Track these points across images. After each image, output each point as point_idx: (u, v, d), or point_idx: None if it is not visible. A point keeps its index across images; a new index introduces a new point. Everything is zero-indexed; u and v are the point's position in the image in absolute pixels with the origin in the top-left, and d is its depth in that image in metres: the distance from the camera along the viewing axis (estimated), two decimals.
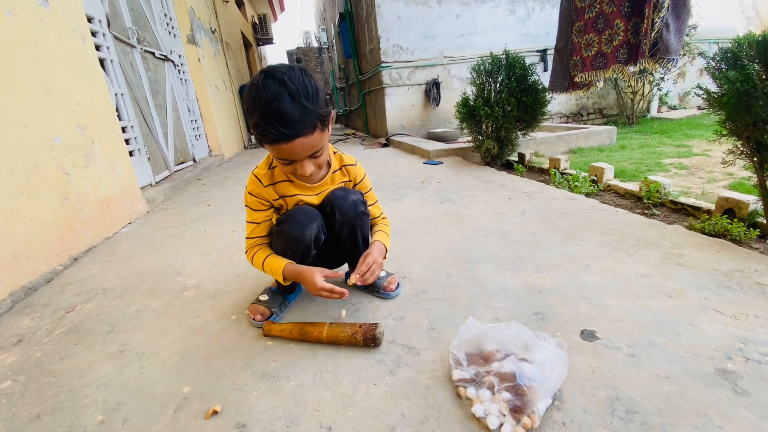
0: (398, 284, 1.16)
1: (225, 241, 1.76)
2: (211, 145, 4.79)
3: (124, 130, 2.57)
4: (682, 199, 1.78)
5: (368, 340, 0.89)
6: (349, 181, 1.09)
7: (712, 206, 1.63)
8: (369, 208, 1.10)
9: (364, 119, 7.12)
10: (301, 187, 1.02)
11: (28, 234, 1.47)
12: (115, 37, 2.72)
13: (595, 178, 2.23)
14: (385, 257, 1.06)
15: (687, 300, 1.02)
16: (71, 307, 1.29)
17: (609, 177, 2.22)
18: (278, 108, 0.76)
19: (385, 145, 5.10)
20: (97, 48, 2.41)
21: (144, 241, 1.88)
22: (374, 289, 1.15)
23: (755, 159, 1.34)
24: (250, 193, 1.01)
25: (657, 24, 2.02)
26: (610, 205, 1.85)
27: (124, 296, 1.32)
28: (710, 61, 1.42)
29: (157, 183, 2.98)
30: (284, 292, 1.13)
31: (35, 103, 1.62)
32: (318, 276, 0.95)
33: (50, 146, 1.67)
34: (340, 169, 1.07)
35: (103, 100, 2.16)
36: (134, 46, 3.06)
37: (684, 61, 5.02)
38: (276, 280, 1.13)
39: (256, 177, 1.00)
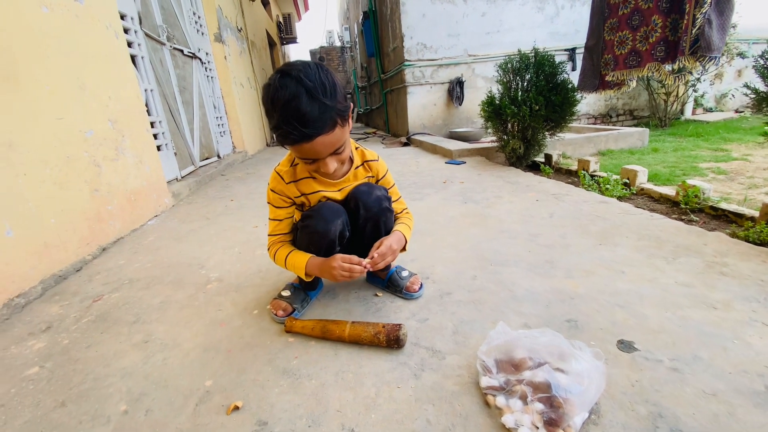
0: (421, 285, 1.13)
1: (248, 236, 1.77)
2: (235, 141, 4.87)
3: (152, 125, 2.63)
4: (723, 205, 1.68)
5: (391, 341, 0.86)
6: (372, 176, 1.07)
7: (756, 213, 1.53)
8: (396, 202, 1.08)
9: (385, 118, 7.10)
10: (324, 183, 1.00)
11: (60, 224, 1.51)
12: (146, 35, 2.79)
13: (627, 181, 2.13)
14: (404, 249, 1.05)
15: (733, 312, 0.95)
16: (99, 296, 1.31)
17: (642, 180, 2.12)
18: (297, 107, 0.75)
19: (405, 144, 5.07)
20: (129, 45, 2.47)
21: (169, 234, 1.92)
22: (396, 289, 1.12)
23: None
24: (272, 190, 1.00)
25: (699, 20, 1.91)
26: (645, 209, 1.76)
27: (150, 287, 1.34)
28: (758, 59, 1.32)
29: (182, 177, 3.04)
30: (306, 289, 1.12)
31: (69, 97, 1.67)
32: (337, 258, 0.94)
33: (83, 139, 1.71)
34: (363, 164, 1.05)
35: (133, 96, 2.21)
36: (164, 44, 3.13)
37: (722, 61, 4.78)
38: (298, 277, 1.12)
39: (278, 174, 0.99)
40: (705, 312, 0.96)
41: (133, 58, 2.50)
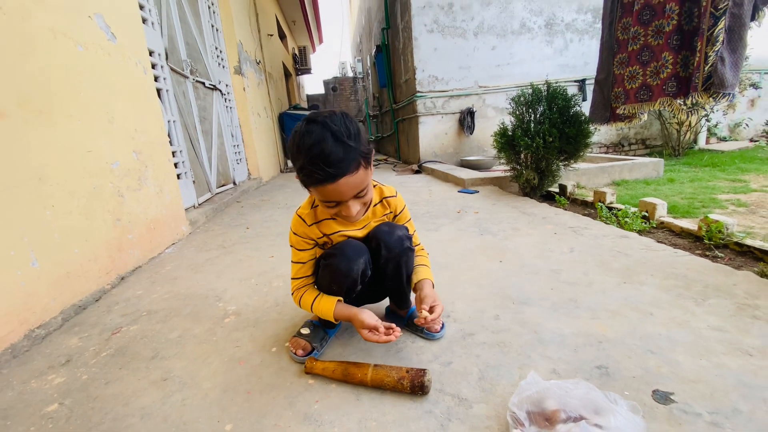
0: (443, 324, 1.11)
1: (264, 267, 1.77)
2: (251, 168, 4.98)
3: (173, 154, 2.71)
4: (749, 242, 1.64)
5: (416, 387, 0.84)
6: (390, 212, 1.08)
7: None
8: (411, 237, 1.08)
9: (396, 146, 7.22)
10: (344, 224, 1.01)
11: (83, 253, 1.54)
12: (172, 69, 2.92)
13: (646, 214, 2.10)
14: None
15: None
16: (117, 328, 1.31)
17: (662, 213, 2.09)
18: (322, 149, 0.78)
19: (417, 172, 5.11)
20: (155, 79, 2.59)
21: (186, 263, 1.93)
22: (417, 329, 1.10)
23: None
24: (294, 233, 1.01)
25: (711, 58, 1.93)
26: (667, 244, 1.72)
27: (167, 320, 1.34)
28: None
29: (199, 205, 3.10)
30: (325, 327, 1.11)
31: (99, 130, 1.74)
32: (369, 317, 0.95)
33: (109, 170, 1.77)
34: (381, 201, 1.05)
35: (157, 128, 2.29)
36: (187, 77, 3.27)
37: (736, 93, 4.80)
38: None
39: (300, 217, 1.00)
40: (741, 360, 0.92)
41: (158, 91, 2.61)
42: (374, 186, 1.05)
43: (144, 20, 2.54)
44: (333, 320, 0.99)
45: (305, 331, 1.08)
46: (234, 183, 4.26)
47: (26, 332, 1.24)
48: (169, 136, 2.68)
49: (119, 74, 1.95)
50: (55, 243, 1.41)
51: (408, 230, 1.04)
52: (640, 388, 0.83)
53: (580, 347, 0.98)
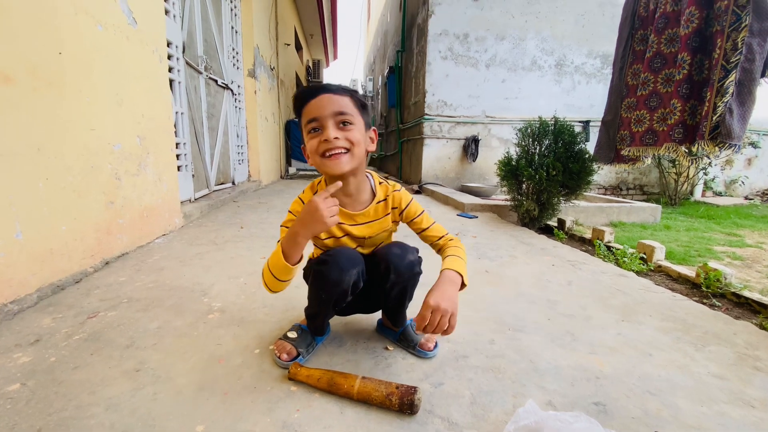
0: (436, 344, 1.06)
1: (254, 267, 1.72)
2: (252, 170, 4.95)
3: (177, 145, 2.69)
4: (747, 293, 1.62)
5: (404, 405, 0.79)
6: (395, 208, 1.01)
7: None
8: (431, 228, 1.02)
9: (398, 165, 7.26)
10: (344, 215, 0.96)
11: (70, 232, 1.49)
12: (187, 63, 2.93)
13: (644, 256, 2.09)
14: (463, 286, 0.90)
15: None
16: (94, 312, 1.25)
17: (660, 257, 2.09)
18: (319, 84, 0.89)
19: (417, 192, 5.12)
20: (170, 69, 2.59)
21: (175, 255, 1.87)
22: (409, 344, 1.05)
23: None
24: (290, 212, 0.99)
25: (720, 108, 1.97)
26: (664, 287, 1.70)
27: (148, 309, 1.28)
28: None
29: (195, 199, 3.05)
30: (314, 333, 1.06)
31: (106, 110, 1.71)
32: (314, 201, 0.83)
33: (110, 151, 1.74)
34: (385, 199, 1.00)
35: (165, 116, 2.27)
36: (201, 73, 3.29)
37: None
38: (306, 318, 1.06)
39: (300, 199, 1.00)
40: (743, 410, 0.88)
41: (171, 82, 2.61)
42: (380, 183, 1.02)
43: (167, 12, 2.56)
44: (284, 260, 0.85)
45: (292, 334, 1.03)
46: (233, 182, 4.23)
47: None
48: (175, 127, 2.66)
49: (135, 59, 1.94)
50: (43, 217, 1.36)
51: (418, 253, 0.99)
52: (639, 430, 0.79)
53: (577, 381, 0.94)
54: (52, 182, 1.39)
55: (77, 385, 0.87)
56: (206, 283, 1.53)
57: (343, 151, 0.87)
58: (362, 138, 0.90)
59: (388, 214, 1.01)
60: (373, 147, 0.96)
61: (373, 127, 0.97)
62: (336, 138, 0.85)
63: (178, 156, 2.70)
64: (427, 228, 1.02)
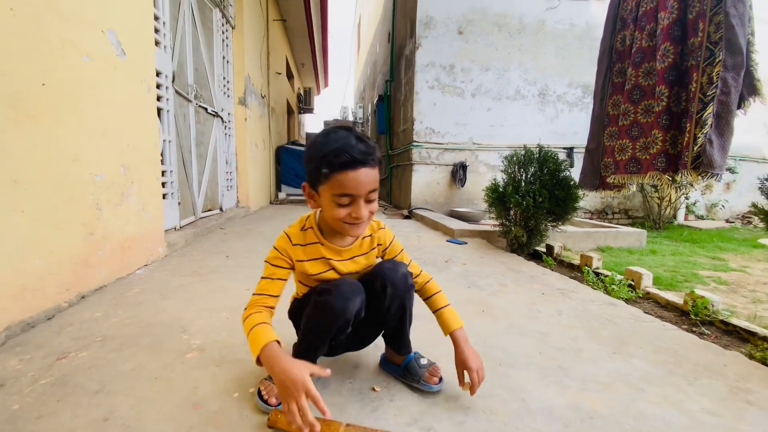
0: (441, 378, 1.02)
1: (239, 300, 1.67)
2: (240, 197, 4.92)
3: (163, 173, 2.66)
4: (734, 321, 1.62)
5: None
6: (379, 245, 1.05)
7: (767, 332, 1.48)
8: (410, 266, 1.04)
9: (388, 190, 7.30)
10: (331, 251, 0.97)
11: (44, 266, 1.43)
12: (176, 91, 2.95)
13: (632, 282, 2.10)
14: None
15: None
16: (65, 353, 1.18)
17: (647, 284, 2.09)
18: (348, 142, 0.84)
19: (407, 217, 5.13)
20: (158, 98, 2.59)
21: (156, 288, 1.81)
22: (413, 379, 1.02)
23: None
24: (275, 248, 0.97)
25: (700, 139, 2.03)
26: (653, 315, 1.70)
27: (123, 349, 1.21)
28: (764, 181, 1.37)
29: (181, 227, 2.99)
30: None
31: (89, 140, 1.69)
32: (306, 374, 0.76)
33: (91, 181, 1.70)
34: (371, 235, 1.03)
35: (151, 145, 2.26)
36: (191, 101, 3.31)
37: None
38: (294, 355, 1.01)
39: (287, 235, 0.97)
40: None
41: (159, 110, 2.61)
42: None
43: (157, 43, 2.59)
44: (255, 359, 0.82)
45: None
46: (221, 209, 4.18)
47: None
48: (162, 155, 2.65)
49: (122, 89, 1.94)
50: (17, 251, 1.30)
51: (407, 266, 1.01)
52: None
53: (571, 423, 0.91)
54: (28, 215, 1.35)
55: None
56: (187, 318, 1.47)
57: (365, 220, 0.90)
58: (376, 199, 0.93)
59: (374, 249, 1.03)
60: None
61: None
62: (365, 217, 0.88)
63: (164, 184, 2.67)
64: (407, 265, 1.04)
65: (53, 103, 1.47)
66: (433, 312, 1.06)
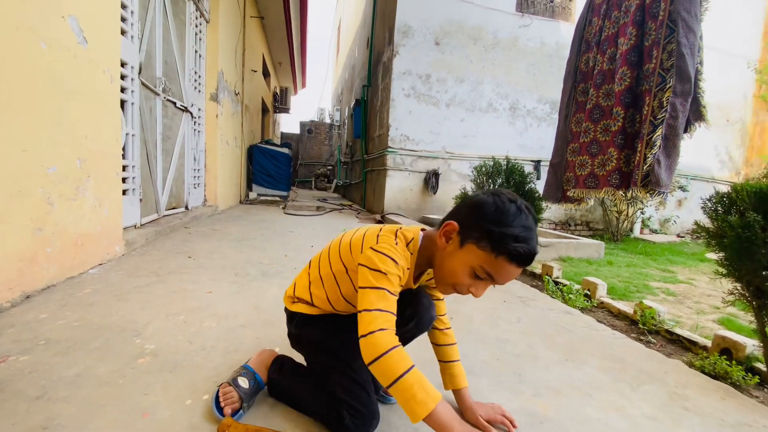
0: None
1: (198, 302, 1.62)
2: (208, 195, 4.77)
3: (124, 168, 2.55)
4: (678, 331, 1.74)
5: None
6: (430, 279, 1.03)
7: (708, 342, 1.59)
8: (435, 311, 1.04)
9: (362, 194, 7.30)
10: (409, 279, 0.92)
11: None
12: (143, 84, 2.84)
13: (588, 292, 2.20)
14: None
15: None
16: (3, 356, 1.10)
17: (602, 293, 2.20)
18: (532, 236, 0.79)
19: (379, 222, 5.14)
20: (122, 90, 2.49)
21: (109, 288, 1.72)
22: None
23: (755, 303, 1.33)
24: (392, 259, 0.81)
25: (649, 159, 2.18)
26: (606, 324, 1.79)
27: (68, 353, 1.15)
28: (707, 201, 1.49)
29: (141, 225, 2.87)
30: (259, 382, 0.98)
31: (42, 131, 1.59)
32: None
33: (43, 174, 1.60)
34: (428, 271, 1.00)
35: (112, 138, 2.16)
36: (158, 94, 3.19)
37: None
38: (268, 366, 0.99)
39: (401, 253, 0.84)
40: None
41: (122, 102, 2.50)
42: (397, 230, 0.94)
43: (123, 32, 2.49)
44: (415, 414, 0.71)
45: (244, 383, 0.93)
46: (186, 207, 4.04)
47: None
48: (124, 149, 2.53)
49: (82, 78, 1.85)
50: None
51: (435, 310, 1.02)
52: None
53: (522, 427, 0.94)
54: None
55: None
56: (141, 321, 1.41)
57: None
58: None
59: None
60: None
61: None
62: (482, 294, 0.86)
63: (125, 179, 2.55)
64: (435, 308, 1.06)
65: (6, 91, 1.38)
66: (442, 361, 1.03)
